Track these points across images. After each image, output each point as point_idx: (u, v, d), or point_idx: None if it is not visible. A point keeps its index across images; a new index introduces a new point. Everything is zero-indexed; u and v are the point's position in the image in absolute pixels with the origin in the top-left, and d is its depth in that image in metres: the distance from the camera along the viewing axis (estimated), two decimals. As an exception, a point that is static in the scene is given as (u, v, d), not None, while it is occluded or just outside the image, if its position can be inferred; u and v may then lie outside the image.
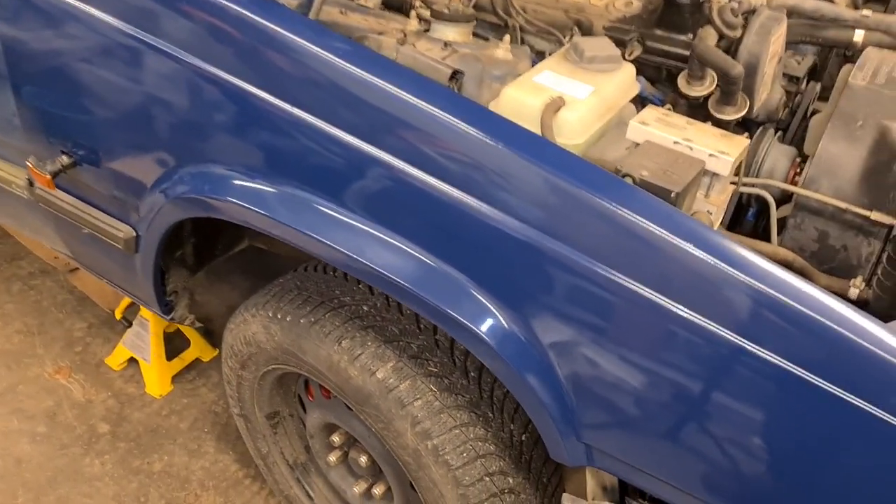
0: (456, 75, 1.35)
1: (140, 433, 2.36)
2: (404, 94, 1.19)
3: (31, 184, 1.76)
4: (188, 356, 2.55)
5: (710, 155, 1.29)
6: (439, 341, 1.48)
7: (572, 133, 1.29)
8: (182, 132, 1.45)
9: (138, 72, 1.42)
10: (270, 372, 1.73)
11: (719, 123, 1.64)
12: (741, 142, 1.34)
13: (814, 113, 1.86)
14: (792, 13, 1.81)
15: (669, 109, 1.48)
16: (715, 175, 1.32)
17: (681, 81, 1.67)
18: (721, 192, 1.34)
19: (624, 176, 1.23)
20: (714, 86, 1.64)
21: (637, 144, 1.34)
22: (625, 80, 1.43)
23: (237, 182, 1.37)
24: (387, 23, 1.55)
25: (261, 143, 1.34)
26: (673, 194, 1.21)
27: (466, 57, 1.42)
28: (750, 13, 1.73)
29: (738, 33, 1.67)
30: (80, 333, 2.65)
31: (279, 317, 1.57)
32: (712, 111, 1.63)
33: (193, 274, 1.94)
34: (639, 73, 1.67)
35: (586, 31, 1.85)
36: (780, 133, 1.79)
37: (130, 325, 2.44)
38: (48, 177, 1.59)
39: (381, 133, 1.23)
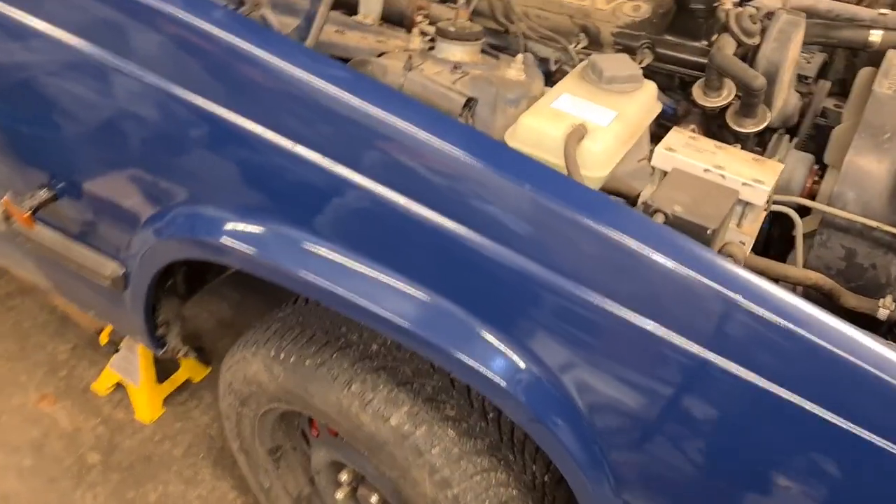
0: (469, 103, 1.26)
1: (133, 462, 2.26)
2: (408, 126, 1.10)
3: (7, 217, 1.65)
4: (179, 377, 2.45)
5: (744, 184, 1.21)
6: (455, 381, 1.40)
7: (596, 165, 1.20)
8: (171, 168, 1.34)
9: (123, 104, 1.31)
10: (273, 410, 1.64)
11: (738, 136, 1.56)
12: (775, 167, 1.26)
13: (823, 112, 1.79)
14: (807, 14, 1.73)
15: (694, 131, 1.40)
16: (748, 204, 1.24)
17: (696, 91, 1.59)
18: (754, 220, 1.26)
19: (654, 212, 1.15)
20: (732, 97, 1.57)
21: (664, 173, 1.26)
22: (647, 100, 1.34)
23: (233, 225, 1.27)
24: (387, 40, 1.45)
25: (257, 181, 1.24)
26: (709, 231, 1.13)
27: (478, 80, 1.32)
28: (767, 17, 1.64)
29: (756, 40, 1.59)
30: (63, 356, 2.54)
31: (282, 357, 1.48)
32: (731, 123, 1.56)
33: (185, 301, 1.84)
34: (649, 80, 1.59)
35: (593, 37, 1.76)
36: (791, 137, 1.73)
37: (118, 349, 2.33)
38: (27, 213, 1.48)
39: (383, 167, 1.14)
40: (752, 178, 1.21)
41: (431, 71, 1.32)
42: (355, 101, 1.12)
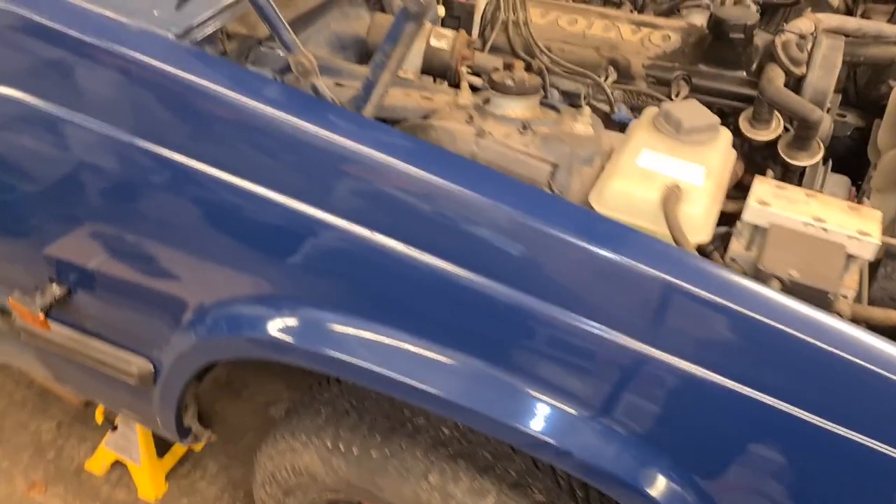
0: (554, 171, 1.16)
1: (142, 548, 2.09)
2: (500, 205, 1.01)
3: (4, 312, 1.47)
4: (179, 448, 2.28)
5: (850, 237, 1.14)
6: (538, 462, 1.29)
7: (698, 229, 1.12)
8: (212, 257, 1.20)
9: (152, 190, 1.17)
10: (325, 498, 1.51)
11: (788, 168, 1.50)
12: (874, 216, 1.19)
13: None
14: (836, 33, 1.69)
15: (772, 176, 1.33)
16: (850, 256, 1.17)
17: (743, 124, 1.52)
18: (856, 272, 1.20)
19: (769, 278, 1.07)
20: (781, 129, 1.51)
21: (754, 227, 1.18)
22: (727, 150, 1.26)
23: (286, 320, 1.16)
24: (433, 96, 1.33)
25: (333, 273, 1.13)
26: (830, 295, 1.06)
27: (549, 140, 1.22)
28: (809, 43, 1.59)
29: (803, 69, 1.53)
30: (49, 436, 2.33)
31: (342, 448, 1.35)
32: (784, 156, 1.49)
33: (201, 380, 1.69)
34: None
35: (623, 69, 1.68)
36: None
37: (115, 427, 2.15)
38: (41, 315, 1.31)
39: (468, 250, 1.05)
40: (858, 231, 1.14)
41: (498, 133, 1.21)
42: (439, 182, 1.02)
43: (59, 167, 1.22)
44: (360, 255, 1.09)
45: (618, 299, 0.99)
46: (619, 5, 1.90)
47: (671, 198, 1.11)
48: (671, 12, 1.86)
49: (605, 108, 1.61)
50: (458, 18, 1.77)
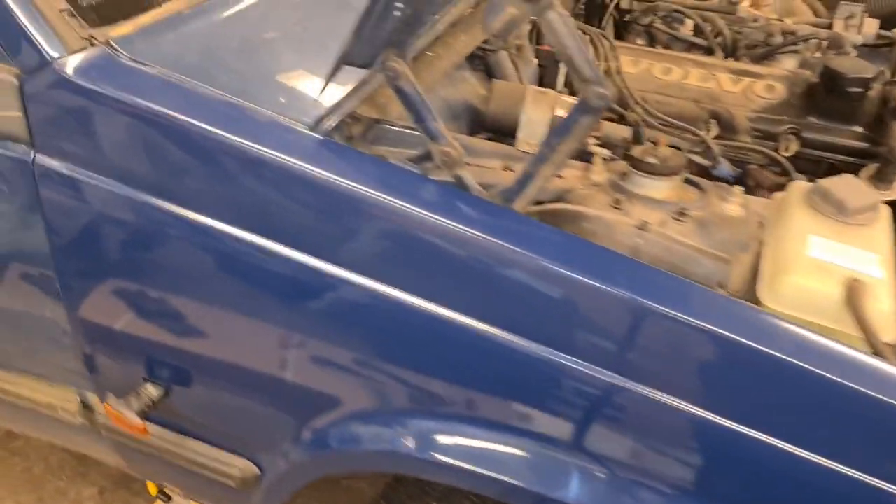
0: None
1: None
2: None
3: (85, 406, 1.35)
4: (233, 514, 2.16)
5: None
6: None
7: (888, 327, 1.03)
8: (336, 370, 1.10)
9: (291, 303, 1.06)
10: None
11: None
12: None
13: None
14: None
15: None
16: None
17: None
18: None
19: None
20: (908, 189, 1.43)
21: None
22: (889, 230, 1.18)
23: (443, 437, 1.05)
24: (562, 172, 1.23)
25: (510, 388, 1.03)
26: None
27: (707, 226, 1.12)
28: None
29: (928, 126, 1.45)
30: (92, 503, 2.20)
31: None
32: (910, 217, 1.41)
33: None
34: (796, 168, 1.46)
35: (726, 123, 1.59)
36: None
37: (169, 498, 2.02)
38: (141, 423, 1.19)
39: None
40: None
41: (651, 219, 1.11)
42: (622, 294, 0.92)
43: (176, 267, 1.11)
44: (517, 365, 0.99)
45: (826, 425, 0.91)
46: (710, 51, 1.81)
47: (856, 294, 1.02)
48: (766, 58, 1.77)
49: (704, 161, 1.52)
50: (542, 67, 1.67)
